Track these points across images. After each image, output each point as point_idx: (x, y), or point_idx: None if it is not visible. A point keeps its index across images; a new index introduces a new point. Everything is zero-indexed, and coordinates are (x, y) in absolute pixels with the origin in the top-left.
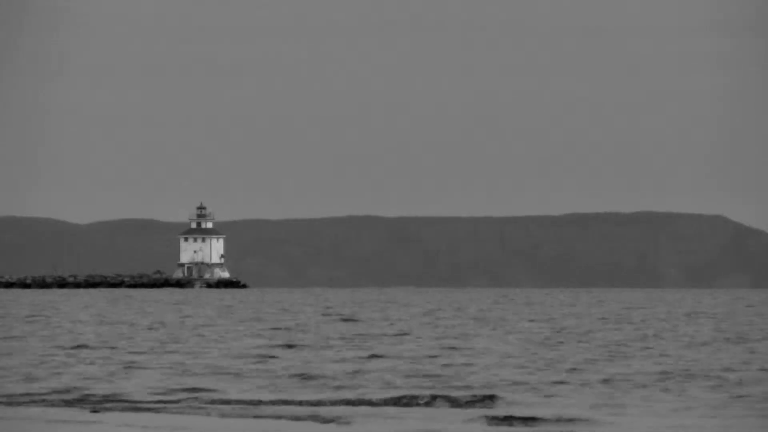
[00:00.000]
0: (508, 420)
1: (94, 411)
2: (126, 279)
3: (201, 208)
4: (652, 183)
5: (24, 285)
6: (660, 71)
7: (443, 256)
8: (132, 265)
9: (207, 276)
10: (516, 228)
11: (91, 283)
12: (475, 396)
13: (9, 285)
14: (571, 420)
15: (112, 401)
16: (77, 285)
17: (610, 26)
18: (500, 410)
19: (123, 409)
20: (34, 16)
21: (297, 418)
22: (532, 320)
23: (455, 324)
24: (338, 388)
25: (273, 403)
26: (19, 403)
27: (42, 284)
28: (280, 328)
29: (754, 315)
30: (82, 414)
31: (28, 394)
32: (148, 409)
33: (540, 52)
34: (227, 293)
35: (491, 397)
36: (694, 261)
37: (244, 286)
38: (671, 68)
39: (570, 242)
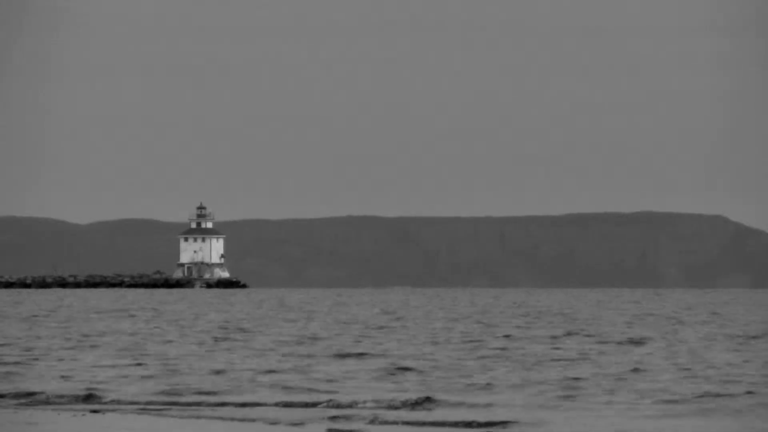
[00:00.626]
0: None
1: (95, 411)
2: (126, 279)
3: (201, 208)
4: (652, 183)
5: (24, 285)
6: (660, 71)
7: (443, 256)
8: (132, 265)
9: (207, 276)
10: (516, 228)
11: (91, 283)
12: (409, 399)
13: (9, 285)
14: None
15: (116, 402)
16: (77, 285)
17: (610, 26)
18: (420, 414)
19: (125, 411)
20: (34, 16)
21: (243, 419)
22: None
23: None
24: (312, 390)
25: (242, 405)
26: (20, 404)
27: (42, 284)
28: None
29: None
30: (83, 414)
31: (29, 394)
32: (150, 411)
33: (540, 52)
34: (229, 293)
35: (428, 399)
36: (694, 261)
37: (244, 286)
38: (671, 68)
39: (570, 242)
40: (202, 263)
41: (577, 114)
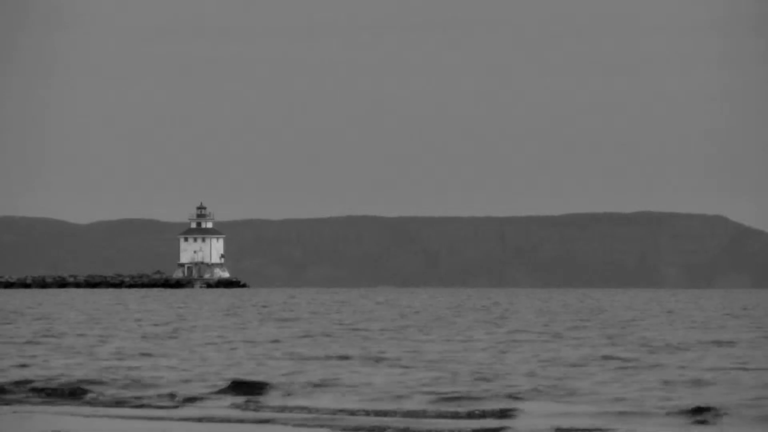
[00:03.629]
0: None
1: (89, 404)
2: (126, 279)
3: (201, 208)
4: (652, 183)
5: (24, 285)
6: (660, 71)
7: (443, 256)
8: (132, 265)
9: (207, 276)
10: (516, 228)
11: (91, 283)
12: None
13: (9, 285)
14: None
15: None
16: (77, 285)
17: (610, 26)
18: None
19: (126, 408)
20: (34, 16)
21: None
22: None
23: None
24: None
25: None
26: (22, 401)
27: (42, 284)
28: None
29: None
30: (81, 411)
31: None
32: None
33: (540, 52)
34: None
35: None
36: (694, 261)
37: (244, 285)
38: (671, 68)
39: (570, 242)
40: (202, 263)
41: (577, 114)
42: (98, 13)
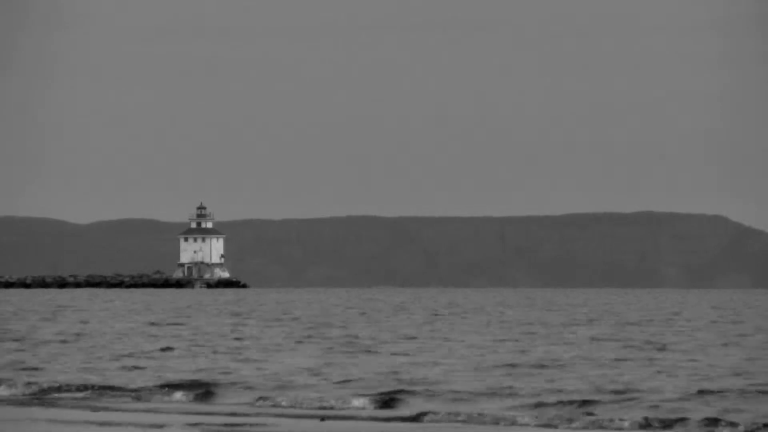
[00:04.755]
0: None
1: (95, 411)
2: (126, 279)
3: (201, 208)
4: (652, 183)
5: (24, 285)
6: (660, 71)
7: (443, 256)
8: (132, 265)
9: (207, 276)
10: (516, 228)
11: (91, 283)
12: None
13: (9, 285)
14: None
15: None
16: (77, 285)
17: (610, 26)
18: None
19: (125, 410)
20: (34, 16)
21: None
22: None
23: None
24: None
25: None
26: (23, 403)
27: (42, 284)
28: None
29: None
30: (84, 414)
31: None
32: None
33: (540, 52)
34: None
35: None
36: (694, 261)
37: (244, 286)
38: (671, 68)
39: (570, 242)
40: (202, 263)
41: (577, 114)
42: (98, 13)
